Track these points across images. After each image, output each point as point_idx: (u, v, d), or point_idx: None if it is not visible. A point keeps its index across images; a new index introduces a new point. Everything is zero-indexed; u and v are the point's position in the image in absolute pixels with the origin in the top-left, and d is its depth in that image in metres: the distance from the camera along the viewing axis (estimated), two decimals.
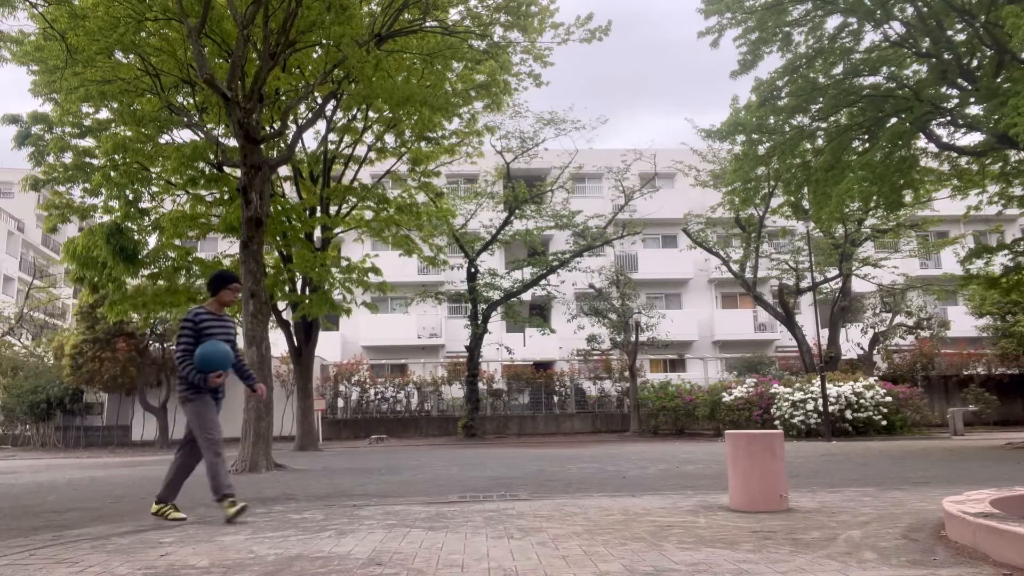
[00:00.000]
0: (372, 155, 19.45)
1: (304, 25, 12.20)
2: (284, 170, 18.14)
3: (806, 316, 25.57)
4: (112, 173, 14.64)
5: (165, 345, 24.05)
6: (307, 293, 18.43)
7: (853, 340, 25.10)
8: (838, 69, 14.03)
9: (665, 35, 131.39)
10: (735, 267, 24.69)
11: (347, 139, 18.94)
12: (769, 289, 27.10)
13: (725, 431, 6.33)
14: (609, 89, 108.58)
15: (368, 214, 19.47)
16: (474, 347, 22.78)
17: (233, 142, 14.07)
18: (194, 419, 5.12)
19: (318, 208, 18.61)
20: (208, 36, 13.02)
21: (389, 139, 19.01)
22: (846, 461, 10.08)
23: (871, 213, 19.03)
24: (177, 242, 16.68)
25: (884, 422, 18.00)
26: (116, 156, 14.10)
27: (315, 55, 14.26)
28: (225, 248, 21.42)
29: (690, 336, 32.01)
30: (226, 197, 16.09)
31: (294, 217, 17.44)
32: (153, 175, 15.71)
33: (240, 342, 13.86)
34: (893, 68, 13.80)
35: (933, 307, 28.01)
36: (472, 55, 14.98)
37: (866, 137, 14.43)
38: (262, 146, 12.53)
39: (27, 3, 11.39)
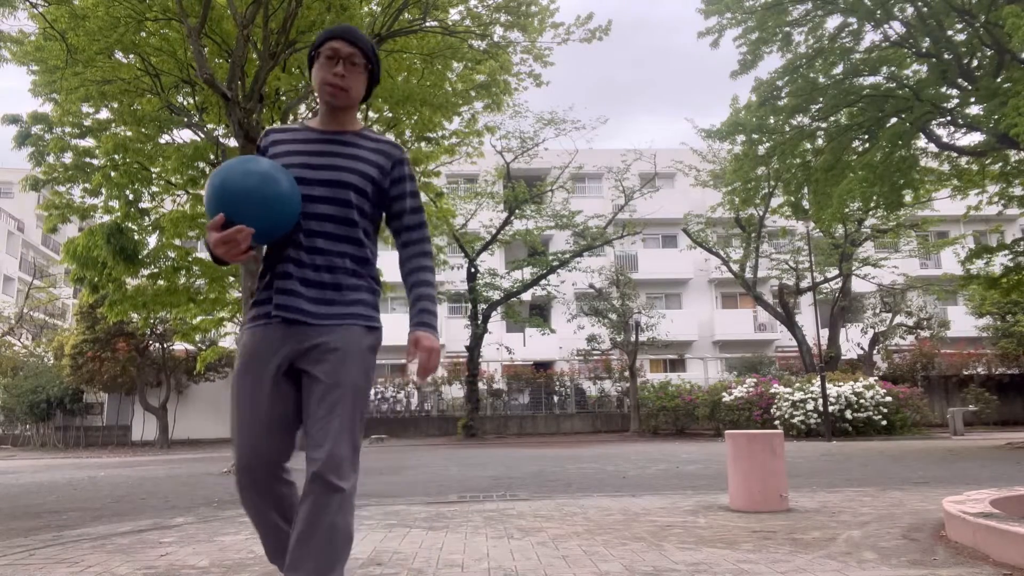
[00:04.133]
0: None
1: (304, 25, 12.21)
2: None
3: (806, 316, 25.57)
4: (112, 173, 14.63)
5: (165, 345, 24.06)
6: None
7: (853, 340, 25.11)
8: (838, 69, 14.04)
9: (665, 39, 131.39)
10: (735, 267, 24.70)
11: None
12: (769, 289, 27.11)
13: (725, 431, 6.32)
14: (609, 92, 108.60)
15: None
16: (474, 347, 22.78)
17: (233, 142, 14.07)
18: None
19: None
20: (208, 36, 13.02)
21: (389, 137, 19.00)
22: (846, 461, 10.08)
23: (871, 213, 19.05)
24: (177, 242, 16.67)
25: (884, 422, 18.00)
26: (116, 156, 14.10)
27: None
28: None
29: (690, 336, 32.01)
30: None
31: None
32: (153, 175, 15.71)
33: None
34: (893, 68, 13.81)
35: (933, 307, 28.02)
36: (472, 55, 14.99)
37: (866, 137, 14.44)
38: None
39: (27, 3, 11.39)
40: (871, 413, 17.96)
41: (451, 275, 25.57)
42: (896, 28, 13.50)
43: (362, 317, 2.13)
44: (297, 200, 2.05)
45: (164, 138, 15.58)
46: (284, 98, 14.94)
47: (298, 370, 2.07)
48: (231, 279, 17.09)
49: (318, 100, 2.23)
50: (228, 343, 22.66)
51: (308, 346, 2.04)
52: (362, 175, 2.15)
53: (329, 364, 2.02)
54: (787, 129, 14.84)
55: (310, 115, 15.18)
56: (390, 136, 18.58)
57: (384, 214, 2.27)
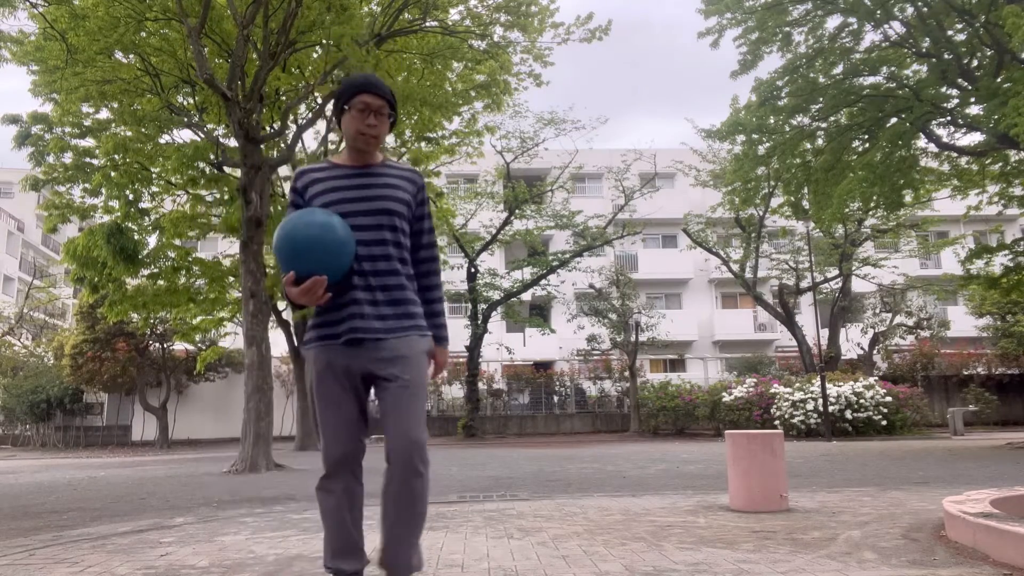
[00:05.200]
0: None
1: (304, 25, 12.21)
2: (284, 170, 18.15)
3: (806, 316, 25.57)
4: (112, 173, 14.65)
5: (165, 345, 24.06)
6: None
7: (853, 340, 25.11)
8: (838, 69, 14.04)
9: (665, 41, 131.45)
10: (735, 267, 24.69)
11: None
12: (769, 289, 27.11)
13: (725, 431, 6.32)
14: (609, 93, 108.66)
15: None
16: (474, 347, 22.78)
17: (233, 142, 14.08)
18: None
19: None
20: (208, 36, 13.03)
21: (389, 139, 19.01)
22: (846, 461, 10.08)
23: (871, 213, 19.04)
24: (177, 242, 16.69)
25: (884, 422, 18.00)
26: (116, 156, 14.11)
27: (315, 55, 14.27)
28: (225, 248, 21.42)
29: (690, 336, 32.01)
30: (226, 197, 16.10)
31: None
32: (153, 175, 15.72)
33: (240, 341, 13.49)
34: (893, 68, 13.81)
35: (933, 307, 28.01)
36: (472, 55, 15.00)
37: (866, 137, 14.44)
38: (262, 146, 12.54)
39: (27, 3, 11.40)
40: (871, 413, 17.96)
41: (451, 275, 25.56)
42: (896, 28, 13.50)
43: (418, 328, 2.49)
44: (352, 241, 2.33)
45: (164, 138, 15.59)
46: (284, 98, 14.94)
47: (371, 377, 2.43)
48: (231, 279, 17.10)
49: (347, 143, 2.54)
50: (228, 343, 22.67)
51: (381, 356, 2.40)
52: (400, 201, 2.50)
53: (400, 368, 2.40)
54: (787, 129, 14.83)
55: (310, 115, 15.20)
56: (391, 138, 18.52)
57: None
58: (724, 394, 20.52)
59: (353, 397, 2.43)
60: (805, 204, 17.31)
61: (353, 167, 2.52)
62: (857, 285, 25.65)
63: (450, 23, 14.48)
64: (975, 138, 15.29)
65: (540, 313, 30.39)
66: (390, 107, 2.51)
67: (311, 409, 2.49)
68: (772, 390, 19.55)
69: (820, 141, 15.02)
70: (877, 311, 24.91)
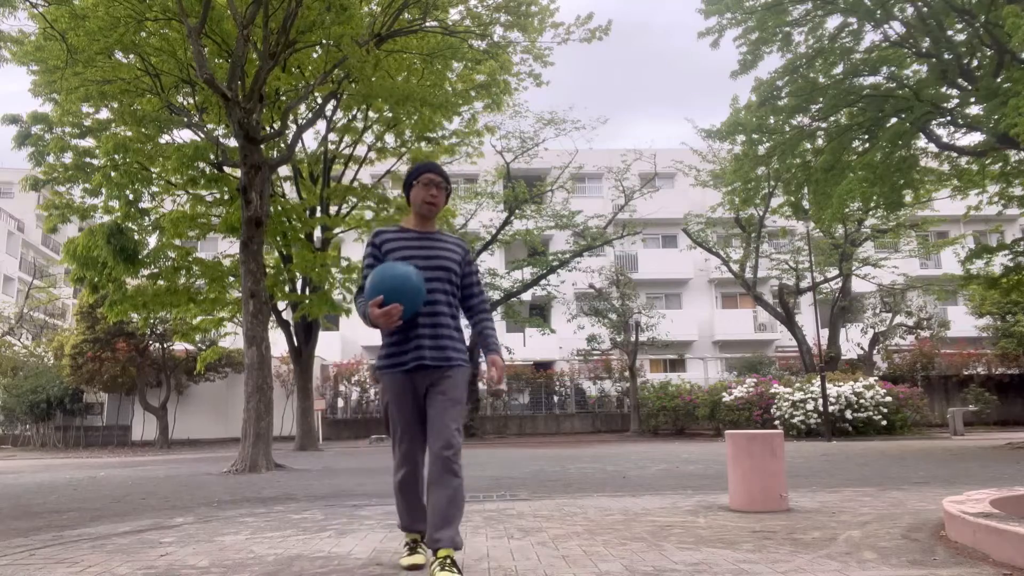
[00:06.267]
0: (372, 155, 19.45)
1: (304, 25, 12.20)
2: (284, 170, 18.15)
3: (806, 316, 25.57)
4: (112, 173, 14.63)
5: (165, 345, 24.06)
6: (307, 293, 18.43)
7: (853, 340, 25.10)
8: (838, 69, 14.03)
9: (665, 43, 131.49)
10: (735, 267, 24.68)
11: (347, 139, 18.95)
12: (769, 289, 27.10)
13: (725, 431, 6.32)
14: (609, 94, 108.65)
15: (368, 214, 19.47)
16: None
17: (233, 142, 14.08)
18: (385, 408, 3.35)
19: (318, 208, 18.61)
20: (208, 36, 13.02)
21: (389, 139, 19.01)
22: (846, 461, 10.08)
23: (871, 213, 19.03)
24: (177, 242, 16.68)
25: (884, 422, 18.00)
26: (116, 156, 14.09)
27: (315, 55, 14.26)
28: (225, 248, 21.41)
29: (690, 336, 32.01)
30: (226, 197, 16.10)
31: (294, 217, 17.44)
32: (153, 175, 15.71)
33: (240, 341, 13.49)
34: (893, 68, 13.79)
35: (933, 307, 28.00)
36: (472, 55, 14.99)
37: (866, 137, 14.43)
38: (262, 146, 12.53)
39: (27, 3, 11.39)
40: (871, 413, 17.96)
41: None
42: (896, 28, 13.49)
43: (463, 361, 3.24)
44: (423, 291, 3.03)
45: (164, 138, 15.57)
46: (284, 98, 14.94)
47: (426, 392, 3.17)
48: (231, 279, 17.10)
49: (414, 210, 3.31)
50: (228, 343, 22.65)
51: (434, 378, 3.15)
52: (453, 261, 3.26)
53: (447, 387, 3.14)
54: (787, 129, 14.82)
55: (310, 115, 15.15)
56: (392, 139, 18.53)
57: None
58: (724, 394, 20.52)
59: (420, 409, 3.19)
60: (805, 204, 17.30)
61: (419, 232, 3.28)
62: (857, 285, 25.64)
63: (450, 23, 14.47)
64: (975, 138, 15.29)
65: (540, 313, 30.38)
66: (447, 184, 3.32)
67: (387, 418, 3.28)
68: (772, 390, 19.54)
69: (820, 141, 15.01)
70: (877, 311, 24.90)
